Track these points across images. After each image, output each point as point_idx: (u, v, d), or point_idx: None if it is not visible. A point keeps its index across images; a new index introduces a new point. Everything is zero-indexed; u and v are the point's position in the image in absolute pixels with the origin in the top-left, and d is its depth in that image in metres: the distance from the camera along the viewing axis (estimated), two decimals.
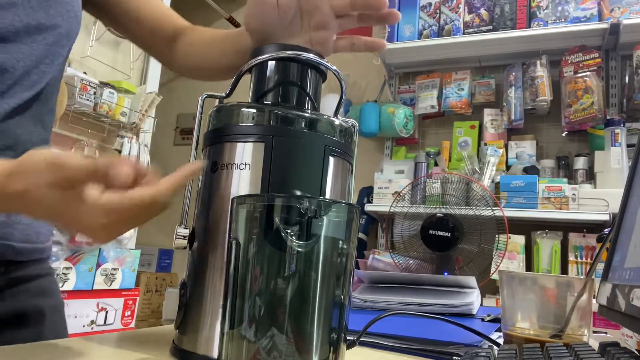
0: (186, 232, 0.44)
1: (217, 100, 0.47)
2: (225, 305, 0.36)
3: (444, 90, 2.28)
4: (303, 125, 0.43)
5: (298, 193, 0.41)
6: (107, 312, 1.84)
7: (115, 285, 1.90)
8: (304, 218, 0.33)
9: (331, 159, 0.43)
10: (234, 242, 0.36)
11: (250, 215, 0.35)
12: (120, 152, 2.30)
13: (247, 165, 0.42)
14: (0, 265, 0.57)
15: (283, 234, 0.34)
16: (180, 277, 2.94)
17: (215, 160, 0.43)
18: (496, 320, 0.64)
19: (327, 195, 0.43)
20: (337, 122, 0.45)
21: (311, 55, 0.45)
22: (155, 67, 2.59)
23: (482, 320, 0.65)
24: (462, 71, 2.27)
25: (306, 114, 0.43)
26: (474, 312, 0.68)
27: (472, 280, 0.73)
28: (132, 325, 1.97)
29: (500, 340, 0.51)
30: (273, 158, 0.41)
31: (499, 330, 0.60)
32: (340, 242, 0.35)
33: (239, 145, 0.42)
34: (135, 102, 2.31)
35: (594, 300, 0.47)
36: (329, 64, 0.46)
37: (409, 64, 2.41)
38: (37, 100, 0.57)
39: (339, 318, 0.36)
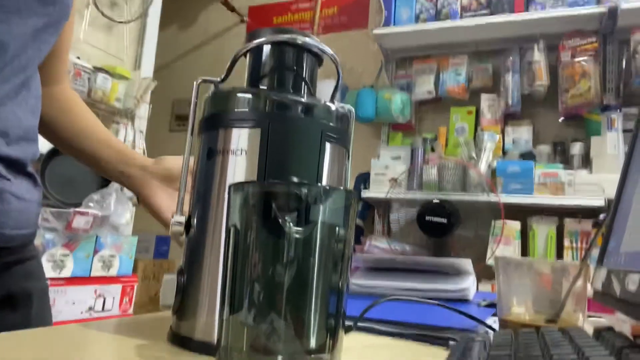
0: (182, 219, 0.44)
1: (213, 85, 0.47)
2: (224, 292, 0.36)
3: (441, 75, 2.27)
4: (299, 111, 0.42)
5: (295, 179, 0.40)
6: (104, 299, 1.85)
7: (113, 272, 1.90)
8: (301, 205, 0.33)
9: (328, 145, 0.43)
10: (232, 228, 0.36)
11: (248, 203, 0.35)
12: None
13: (243, 152, 0.41)
14: None
15: (281, 221, 0.34)
16: (177, 263, 2.93)
17: (211, 146, 0.43)
18: (492, 305, 0.65)
19: (324, 182, 0.42)
20: (333, 107, 0.44)
21: (308, 39, 0.44)
22: (149, 52, 2.56)
23: (478, 305, 0.66)
24: (459, 56, 2.26)
25: (302, 100, 0.43)
26: (470, 298, 0.68)
27: (467, 263, 0.74)
28: (131, 311, 1.98)
29: (496, 326, 0.52)
30: (269, 144, 0.41)
31: (494, 315, 0.61)
32: (338, 228, 0.35)
33: (235, 131, 0.42)
34: (129, 88, 2.29)
35: (589, 285, 0.48)
36: (326, 48, 0.45)
37: (406, 48, 2.39)
38: (24, 86, 0.57)
39: (337, 303, 0.36)
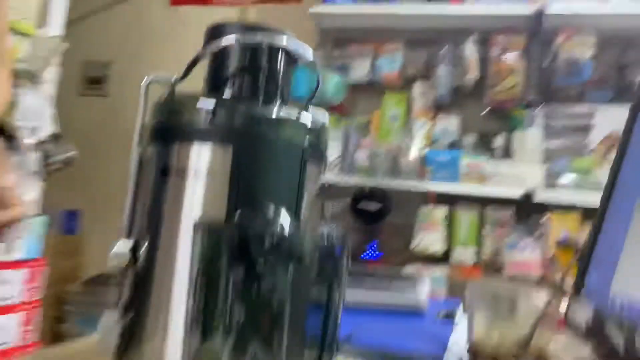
0: (128, 248, 0.36)
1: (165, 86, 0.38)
2: (189, 337, 0.30)
3: (376, 61, 2.25)
4: (276, 125, 0.36)
5: (272, 207, 0.34)
6: (7, 287, 1.65)
7: (16, 256, 1.70)
8: (293, 257, 0.28)
9: (308, 165, 0.37)
10: (201, 269, 0.29)
11: (225, 246, 0.28)
12: (17, 104, 2.01)
13: (208, 172, 0.34)
14: None
15: (264, 271, 0.28)
16: (89, 241, 2.72)
17: (165, 162, 0.35)
18: (449, 316, 0.63)
19: (304, 207, 0.37)
20: (312, 120, 0.38)
21: (286, 39, 0.38)
22: (58, 6, 2.27)
23: (437, 316, 0.64)
24: (395, 42, 2.25)
25: (279, 112, 0.36)
26: (425, 310, 0.67)
27: (422, 281, 0.72)
28: (38, 297, 1.79)
29: (460, 348, 0.50)
30: (240, 164, 0.34)
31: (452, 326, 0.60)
32: (328, 281, 0.30)
33: (198, 147, 0.35)
34: (35, 47, 2.02)
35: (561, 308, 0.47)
36: (307, 51, 0.39)
37: (343, 29, 2.34)
38: None
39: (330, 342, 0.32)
